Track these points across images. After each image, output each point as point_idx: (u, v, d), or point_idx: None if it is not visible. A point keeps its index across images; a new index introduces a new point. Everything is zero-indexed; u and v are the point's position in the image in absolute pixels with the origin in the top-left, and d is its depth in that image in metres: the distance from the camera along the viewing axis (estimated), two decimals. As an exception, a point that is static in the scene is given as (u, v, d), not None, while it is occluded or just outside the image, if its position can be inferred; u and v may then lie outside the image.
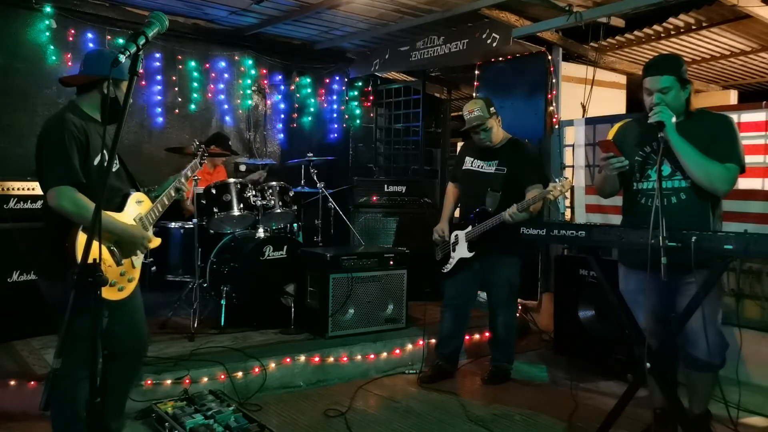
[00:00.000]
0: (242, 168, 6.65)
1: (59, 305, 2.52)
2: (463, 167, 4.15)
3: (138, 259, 2.75)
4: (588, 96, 5.42)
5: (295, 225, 5.39)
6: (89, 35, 5.79)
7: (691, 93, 2.82)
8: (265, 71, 6.99)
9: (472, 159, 4.11)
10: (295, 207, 5.10)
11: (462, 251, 4.02)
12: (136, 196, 2.77)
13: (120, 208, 2.69)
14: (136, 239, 2.68)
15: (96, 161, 2.55)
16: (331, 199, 5.56)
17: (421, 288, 5.21)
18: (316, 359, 4.05)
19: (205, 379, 3.63)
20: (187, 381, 3.56)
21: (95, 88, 2.62)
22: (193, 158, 3.43)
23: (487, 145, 4.01)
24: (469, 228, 3.99)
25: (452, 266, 4.07)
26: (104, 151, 2.45)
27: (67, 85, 2.77)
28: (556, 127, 5.33)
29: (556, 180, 3.63)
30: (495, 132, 4.00)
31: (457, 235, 4.07)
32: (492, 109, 3.97)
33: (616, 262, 3.09)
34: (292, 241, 5.00)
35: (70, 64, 5.66)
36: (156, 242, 2.86)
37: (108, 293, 2.49)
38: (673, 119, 2.69)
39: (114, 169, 2.66)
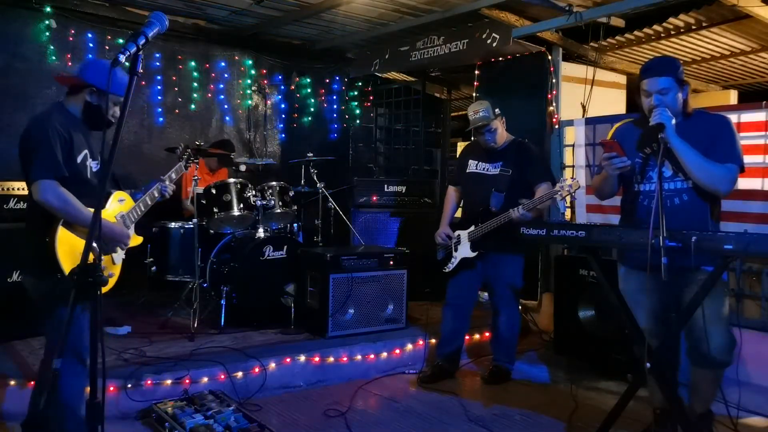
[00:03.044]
0: (242, 168, 6.65)
1: (43, 303, 2.58)
2: (467, 171, 4.15)
3: (118, 256, 2.79)
4: (588, 96, 5.42)
5: (295, 225, 5.39)
6: (89, 35, 5.79)
7: (688, 94, 2.83)
8: (265, 71, 6.99)
9: (476, 162, 4.12)
10: (295, 207, 5.10)
11: (465, 251, 4.02)
12: (117, 195, 2.82)
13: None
14: (117, 236, 2.73)
15: (79, 159, 2.61)
16: (331, 199, 5.56)
17: (422, 288, 5.21)
18: (316, 359, 4.05)
19: (205, 379, 3.63)
20: (187, 381, 3.57)
21: (79, 92, 2.67)
22: (191, 159, 3.44)
23: (491, 146, 4.02)
24: (472, 228, 3.99)
25: (454, 266, 4.08)
26: (101, 154, 2.48)
27: (61, 82, 2.80)
28: (556, 127, 5.33)
29: (564, 180, 3.62)
30: (499, 133, 4.01)
31: (459, 235, 4.07)
32: (497, 110, 3.98)
33: (616, 262, 3.09)
34: (292, 241, 5.00)
35: (69, 63, 5.67)
36: (137, 240, 2.91)
37: None
38: (673, 121, 2.69)
39: (95, 169, 2.72)
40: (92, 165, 2.71)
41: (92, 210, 2.60)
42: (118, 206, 2.80)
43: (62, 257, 2.50)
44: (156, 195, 2.97)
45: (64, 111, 2.67)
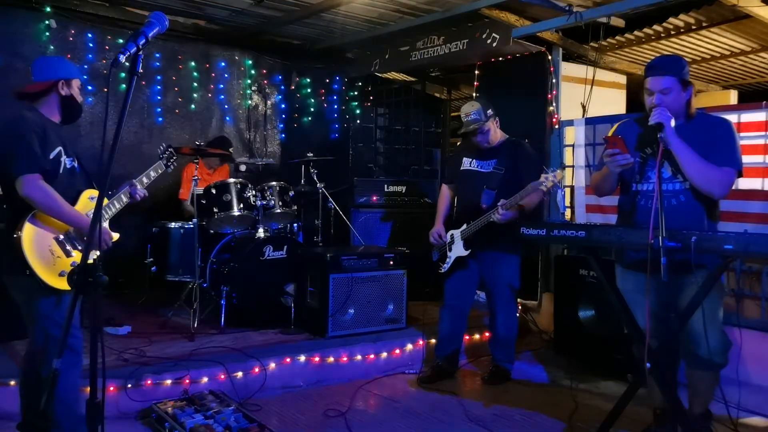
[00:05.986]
0: (242, 168, 6.65)
1: (19, 300, 2.64)
2: (461, 168, 4.15)
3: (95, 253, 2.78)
4: (588, 96, 5.41)
5: (295, 225, 5.39)
6: (89, 35, 5.79)
7: (692, 95, 2.82)
8: (265, 71, 6.98)
9: (470, 160, 4.12)
10: (295, 207, 5.10)
11: (458, 250, 4.03)
12: (88, 193, 2.85)
13: (72, 203, 2.77)
14: (85, 231, 2.73)
15: (53, 155, 2.66)
16: (331, 199, 5.56)
17: (421, 288, 5.21)
18: (316, 359, 4.05)
19: (205, 379, 3.63)
20: (187, 381, 3.57)
21: (50, 92, 2.75)
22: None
23: (485, 146, 4.02)
24: (464, 226, 3.99)
25: (449, 265, 4.08)
26: (102, 153, 2.49)
27: (22, 96, 2.82)
28: (556, 127, 5.33)
29: (548, 171, 3.60)
30: (493, 133, 4.01)
31: (452, 235, 4.08)
32: (489, 111, 3.97)
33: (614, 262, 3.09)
34: (292, 241, 5.00)
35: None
36: (112, 237, 2.92)
37: (59, 283, 2.61)
38: (673, 121, 2.68)
39: (68, 166, 2.76)
40: (66, 161, 2.75)
41: (72, 205, 2.67)
42: (89, 204, 2.82)
43: (30, 254, 2.54)
44: (124, 199, 2.97)
45: (36, 112, 2.74)
